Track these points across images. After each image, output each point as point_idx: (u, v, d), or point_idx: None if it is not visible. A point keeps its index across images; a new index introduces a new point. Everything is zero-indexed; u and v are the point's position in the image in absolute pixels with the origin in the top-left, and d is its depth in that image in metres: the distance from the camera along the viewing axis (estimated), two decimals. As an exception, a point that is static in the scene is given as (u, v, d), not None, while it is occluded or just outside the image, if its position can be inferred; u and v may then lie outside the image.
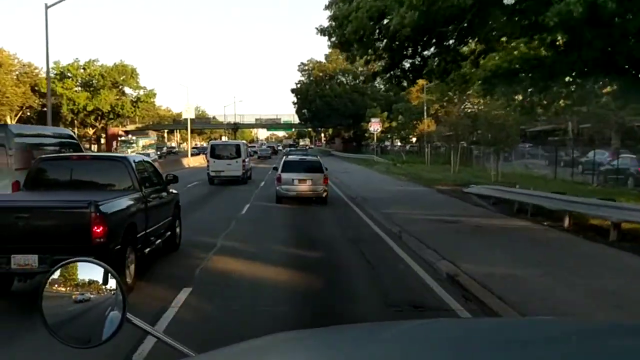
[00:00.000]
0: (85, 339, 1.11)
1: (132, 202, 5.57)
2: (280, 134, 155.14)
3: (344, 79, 66.15)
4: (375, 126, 37.25)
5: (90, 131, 60.97)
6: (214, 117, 76.96)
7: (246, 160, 20.32)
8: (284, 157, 17.35)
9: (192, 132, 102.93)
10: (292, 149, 59.55)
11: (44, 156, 6.64)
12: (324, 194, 13.53)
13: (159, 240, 6.51)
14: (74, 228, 4.62)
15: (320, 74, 66.01)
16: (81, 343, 1.11)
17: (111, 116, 55.33)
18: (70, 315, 1.11)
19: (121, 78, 54.87)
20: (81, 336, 1.11)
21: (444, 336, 1.14)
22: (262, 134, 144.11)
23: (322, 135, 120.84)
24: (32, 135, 8.29)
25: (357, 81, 68.56)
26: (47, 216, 4.76)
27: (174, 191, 7.81)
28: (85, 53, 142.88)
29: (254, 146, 61.75)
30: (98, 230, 4.52)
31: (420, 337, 1.13)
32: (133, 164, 6.15)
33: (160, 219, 6.63)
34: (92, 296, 1.12)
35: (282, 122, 73.82)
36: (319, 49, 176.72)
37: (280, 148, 72.91)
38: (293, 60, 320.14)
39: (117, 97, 54.75)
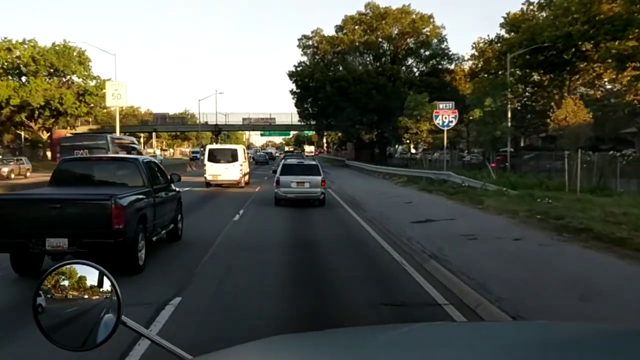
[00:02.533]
0: (80, 342, 1.45)
1: (143, 197, 8.27)
2: (277, 140, 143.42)
3: (360, 59, 55.37)
4: (447, 117, 27.44)
5: (45, 135, 54.55)
6: (189, 114, 74.32)
7: (243, 164, 25.31)
8: (282, 160, 22.36)
9: (176, 136, 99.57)
10: (289, 153, 66.06)
11: (66, 157, 10.32)
12: (322, 197, 17.23)
13: (164, 231, 9.44)
14: (97, 217, 7.12)
15: (331, 51, 54.39)
16: (76, 346, 1.46)
17: (48, 113, 50.01)
18: (65, 317, 1.46)
19: (61, 63, 49.53)
20: (76, 339, 1.46)
21: (438, 340, 1.45)
22: (257, 140, 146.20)
23: (325, 140, 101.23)
24: (119, 141, 19.05)
25: (383, 61, 53.78)
26: (75, 206, 7.28)
27: (177, 189, 11.03)
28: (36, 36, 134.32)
29: (248, 153, 67.43)
30: (117, 219, 7.02)
31: (415, 340, 1.45)
32: (144, 164, 9.12)
33: (166, 213, 9.48)
34: (86, 298, 1.48)
35: (276, 122, 67.80)
36: (328, 19, 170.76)
37: (278, 155, 76.12)
38: (290, 43, 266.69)
39: (59, 87, 49.89)
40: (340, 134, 69.33)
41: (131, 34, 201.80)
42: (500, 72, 38.98)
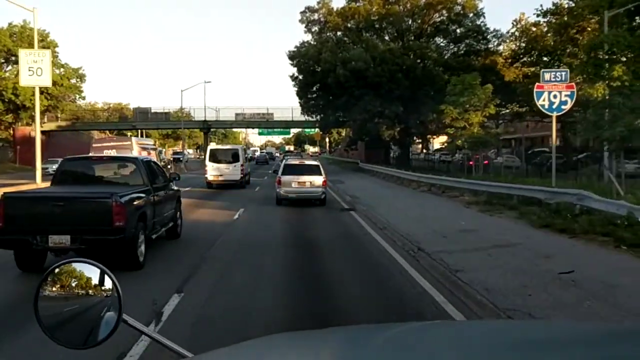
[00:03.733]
0: (81, 340, 1.66)
1: (143, 195, 9.52)
2: (277, 140, 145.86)
3: (377, 36, 48.21)
4: (558, 94, 20.39)
5: (5, 133, 53.14)
6: (185, 113, 69.01)
7: (245, 164, 29.20)
8: (284, 160, 24.85)
9: (168, 136, 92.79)
10: (289, 153, 67.21)
11: (68, 157, 11.85)
12: (323, 196, 19.37)
13: (163, 229, 10.76)
14: (99, 214, 8.26)
15: (342, 25, 48.50)
16: (77, 344, 1.67)
17: (2, 107, 49.57)
18: (66, 316, 1.67)
19: (19, 47, 40.21)
20: (77, 337, 1.67)
21: (437, 339, 1.62)
22: (255, 139, 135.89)
23: (327, 139, 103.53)
24: (141, 142, 29.59)
25: (405, 40, 47.63)
26: (77, 204, 8.42)
27: (177, 188, 12.33)
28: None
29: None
30: (118, 216, 8.19)
31: (414, 339, 1.63)
32: (144, 164, 10.49)
33: (165, 211, 10.78)
34: (88, 297, 1.70)
35: (274, 118, 66.37)
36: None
37: (277, 155, 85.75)
38: (291, 26, 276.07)
39: (15, 75, 44.94)
40: (349, 132, 62.18)
41: (121, 29, 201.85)
42: (558, 52, 33.99)
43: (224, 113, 66.05)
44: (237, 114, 65.84)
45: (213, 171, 28.26)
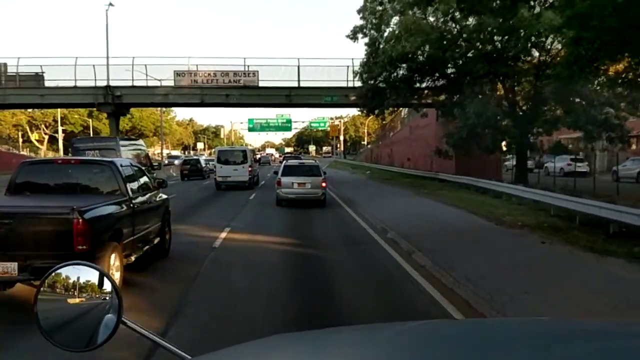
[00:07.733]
0: (81, 343, 1.76)
1: (118, 208, 8.22)
2: (277, 140, 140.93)
3: None
4: None
5: None
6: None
7: (253, 165, 31.81)
8: (284, 161, 27.22)
9: (129, 131, 60.40)
10: (288, 155, 66.76)
11: (27, 160, 10.39)
12: (322, 197, 20.45)
13: (147, 247, 9.50)
14: (56, 235, 6.96)
15: None
16: (77, 347, 1.76)
17: None
18: (66, 318, 1.77)
19: None
20: (76, 340, 1.76)
21: (438, 338, 1.72)
22: (251, 139, 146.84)
23: (341, 137, 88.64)
24: (127, 143, 25.83)
25: None
26: (28, 222, 7.09)
27: (164, 196, 11.33)
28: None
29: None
30: (81, 238, 6.89)
31: (414, 338, 1.71)
32: (120, 168, 9.09)
33: (149, 225, 9.59)
34: (87, 299, 1.79)
35: (259, 83, 37.61)
36: None
37: (277, 156, 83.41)
38: None
39: None
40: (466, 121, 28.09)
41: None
42: None
43: (159, 73, 37.19)
44: (178, 74, 37.45)
45: (222, 172, 30.96)
